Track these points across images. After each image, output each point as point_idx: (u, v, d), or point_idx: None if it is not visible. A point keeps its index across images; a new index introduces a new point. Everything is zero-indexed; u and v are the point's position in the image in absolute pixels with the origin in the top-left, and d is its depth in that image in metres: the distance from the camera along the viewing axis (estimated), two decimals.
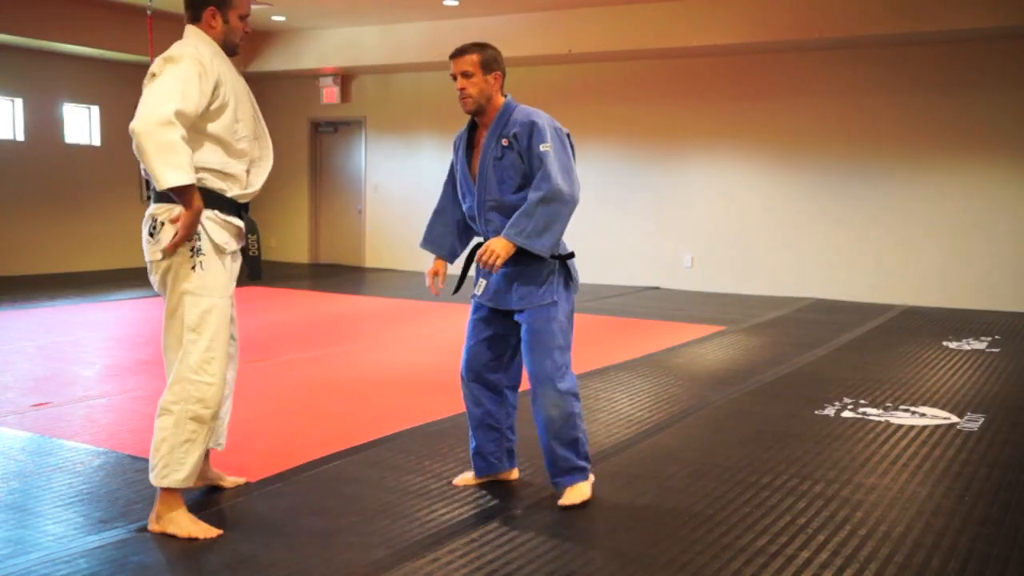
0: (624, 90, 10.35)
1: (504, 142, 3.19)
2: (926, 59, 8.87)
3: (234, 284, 3.09)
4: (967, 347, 6.65)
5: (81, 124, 11.18)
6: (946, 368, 5.88)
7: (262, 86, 12.05)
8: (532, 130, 3.15)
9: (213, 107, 2.90)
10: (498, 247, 3.09)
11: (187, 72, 2.82)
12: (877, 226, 9.23)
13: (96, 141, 11.27)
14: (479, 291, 3.35)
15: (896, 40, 8.71)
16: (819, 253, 9.53)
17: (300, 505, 3.24)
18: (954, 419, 4.58)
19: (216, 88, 2.90)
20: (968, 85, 8.72)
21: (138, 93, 2.87)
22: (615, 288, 10.11)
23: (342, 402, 4.87)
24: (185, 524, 2.92)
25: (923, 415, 4.65)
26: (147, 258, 2.98)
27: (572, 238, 3.61)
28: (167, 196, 2.86)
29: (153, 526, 2.95)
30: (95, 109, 11.20)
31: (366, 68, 11.61)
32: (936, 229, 8.99)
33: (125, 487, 3.40)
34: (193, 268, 2.90)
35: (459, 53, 3.23)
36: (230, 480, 3.40)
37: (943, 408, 4.80)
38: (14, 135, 10.47)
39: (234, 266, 3.08)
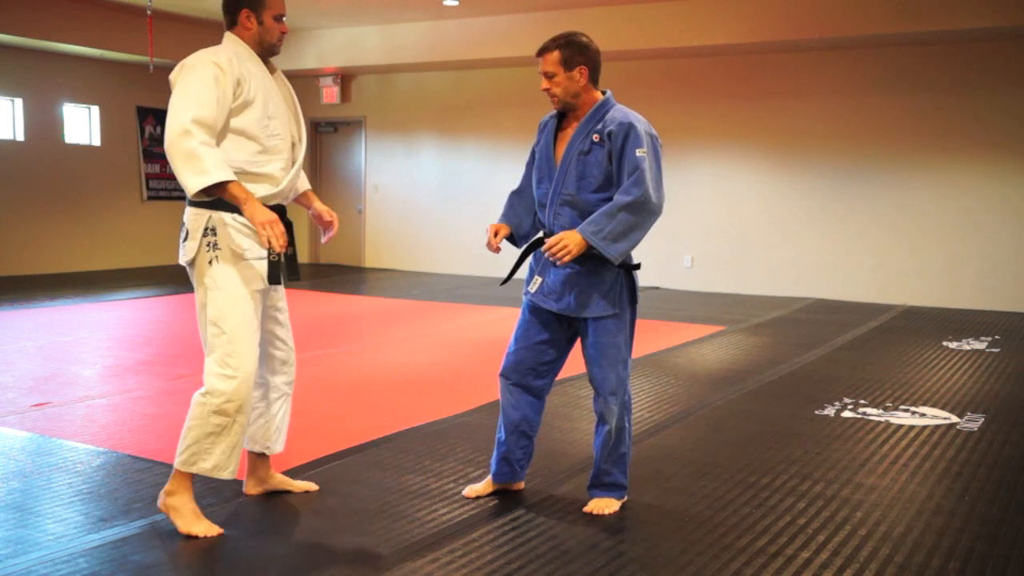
0: (624, 90, 10.25)
1: (595, 138, 3.05)
2: (926, 59, 8.87)
3: (264, 283, 3.02)
4: (967, 347, 6.65)
5: (81, 124, 11.17)
6: (946, 368, 5.88)
7: None
8: (629, 132, 3.00)
9: (236, 103, 2.94)
10: (571, 242, 2.95)
11: (200, 77, 2.88)
12: (877, 226, 9.23)
13: (96, 141, 11.25)
14: (533, 288, 3.21)
15: (896, 40, 8.71)
16: (819, 253, 9.53)
17: (300, 505, 3.24)
18: (954, 419, 4.58)
19: (239, 85, 2.93)
20: (968, 85, 8.72)
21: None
22: None
23: (342, 402, 4.87)
24: (189, 517, 2.93)
25: (923, 415, 4.65)
26: (180, 259, 3.05)
27: None
28: (197, 202, 2.93)
29: (161, 502, 2.97)
30: (95, 109, 11.18)
31: (366, 68, 11.60)
32: (936, 229, 8.99)
33: (125, 486, 3.40)
34: (210, 263, 2.94)
35: (541, 51, 3.07)
36: (298, 485, 3.38)
37: (943, 408, 4.80)
38: (14, 135, 10.47)
39: (259, 266, 3.01)
